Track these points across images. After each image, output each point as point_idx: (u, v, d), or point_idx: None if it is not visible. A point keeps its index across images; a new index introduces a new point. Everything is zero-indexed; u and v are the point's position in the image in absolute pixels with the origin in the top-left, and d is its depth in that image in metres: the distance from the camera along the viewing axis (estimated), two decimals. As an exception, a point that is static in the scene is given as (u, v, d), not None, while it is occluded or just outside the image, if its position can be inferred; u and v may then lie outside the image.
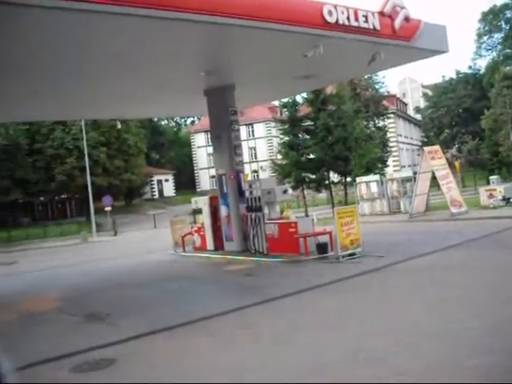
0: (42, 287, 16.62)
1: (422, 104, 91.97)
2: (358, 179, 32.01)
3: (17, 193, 51.75)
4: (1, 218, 50.95)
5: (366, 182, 30.99)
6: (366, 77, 46.67)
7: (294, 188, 38.56)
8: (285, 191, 18.46)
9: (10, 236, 44.43)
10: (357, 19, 13.20)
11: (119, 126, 42.59)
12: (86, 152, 43.12)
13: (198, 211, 21.50)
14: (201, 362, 7.35)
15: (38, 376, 7.47)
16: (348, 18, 13.02)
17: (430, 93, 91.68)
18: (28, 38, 10.76)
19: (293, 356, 7.10)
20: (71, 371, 7.42)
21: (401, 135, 70.72)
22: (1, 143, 40.56)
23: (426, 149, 25.93)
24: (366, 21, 13.40)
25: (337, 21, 12.79)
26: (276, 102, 49.22)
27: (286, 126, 39.91)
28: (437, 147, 26.21)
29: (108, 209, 42.76)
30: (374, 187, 30.45)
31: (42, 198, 59.82)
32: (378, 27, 13.71)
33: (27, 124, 47.03)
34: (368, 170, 35.86)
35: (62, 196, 60.85)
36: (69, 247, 34.32)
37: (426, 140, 71.77)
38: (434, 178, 24.90)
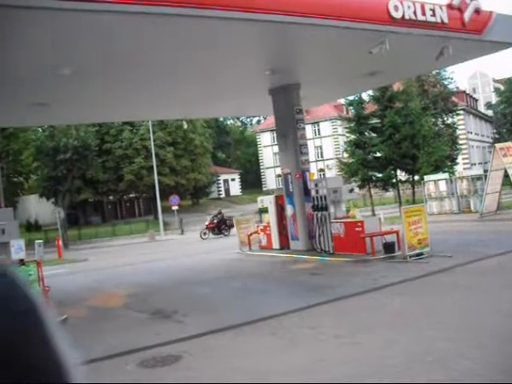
0: (111, 284, 17.01)
1: (494, 99, 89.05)
2: (426, 177, 31.34)
3: (87, 192, 53.31)
4: (72, 216, 52.63)
5: (434, 181, 30.32)
6: (434, 72, 45.60)
7: (360, 187, 38.15)
8: (351, 190, 18.25)
9: (81, 234, 45.81)
10: (424, 13, 12.88)
11: (185, 126, 43.12)
12: (153, 152, 43.96)
13: (263, 210, 21.58)
14: (266, 361, 7.34)
15: (106, 370, 7.64)
16: (414, 13, 12.73)
17: (502, 87, 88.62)
18: (106, 42, 11.13)
19: (357, 357, 6.99)
20: (138, 366, 7.55)
21: (471, 132, 68.74)
22: (72, 144, 41.77)
23: (498, 145, 25.08)
24: (434, 14, 13.06)
25: (403, 16, 12.53)
26: (342, 100, 48.82)
27: (352, 124, 39.54)
28: (509, 144, 25.30)
29: (175, 208, 43.45)
30: (442, 186, 29.76)
31: (111, 198, 61.39)
32: (446, 21, 13.33)
33: (97, 125, 48.37)
34: (436, 168, 35.06)
35: (131, 195, 62.24)
36: (137, 245, 35.07)
37: (497, 137, 69.54)
38: (506, 175, 24.07)
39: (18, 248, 10.96)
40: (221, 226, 33.57)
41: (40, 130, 45.34)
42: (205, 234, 33.13)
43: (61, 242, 31.04)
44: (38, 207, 56.38)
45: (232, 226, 31.74)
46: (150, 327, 10.14)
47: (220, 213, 34.88)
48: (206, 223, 34.25)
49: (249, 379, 6.63)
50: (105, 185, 53.95)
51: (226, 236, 32.47)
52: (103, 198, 59.67)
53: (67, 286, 16.93)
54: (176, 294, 13.57)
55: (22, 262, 10.69)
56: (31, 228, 53.41)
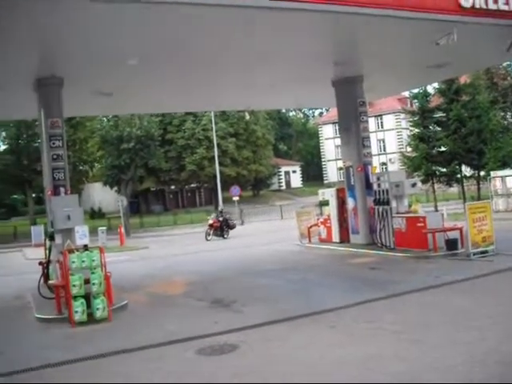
0: (171, 272, 17.26)
1: None
2: (492, 173, 30.40)
3: (150, 181, 54.32)
4: (134, 205, 53.71)
5: (501, 177, 29.38)
6: (504, 64, 44.08)
7: (423, 181, 37.30)
8: (414, 184, 17.84)
9: (143, 222, 46.65)
10: (495, 1, 12.39)
11: (248, 117, 43.37)
12: (215, 142, 44.31)
13: (324, 203, 21.42)
14: (322, 353, 7.28)
15: (165, 356, 7.76)
16: (486, 1, 12.28)
17: None
18: (173, 33, 11.31)
19: (416, 354, 6.84)
20: (197, 353, 7.64)
21: (542, 127, 66.20)
22: (136, 134, 42.51)
23: None
24: (507, 2, 12.55)
25: (473, 5, 12.11)
26: (406, 93, 47.87)
27: (416, 118, 38.68)
28: None
29: (236, 198, 43.69)
30: (510, 182, 28.80)
31: (172, 187, 62.31)
32: (519, 9, 12.79)
33: (160, 116, 49.07)
34: (504, 164, 33.91)
35: (192, 185, 62.97)
36: (197, 235, 35.42)
37: None
38: None
39: (82, 234, 11.21)
40: (223, 227, 30.11)
41: (105, 120, 46.36)
42: (209, 234, 29.44)
43: (123, 230, 31.67)
44: (101, 195, 57.79)
45: (234, 226, 31.01)
46: (209, 316, 10.24)
47: (222, 212, 32.02)
48: (210, 222, 30.33)
49: (303, 371, 6.60)
50: (167, 174, 54.79)
51: (225, 239, 29.42)
52: (165, 187, 60.62)
53: (128, 272, 17.27)
54: (235, 284, 13.65)
55: (85, 248, 10.94)
56: (95, 215, 54.81)
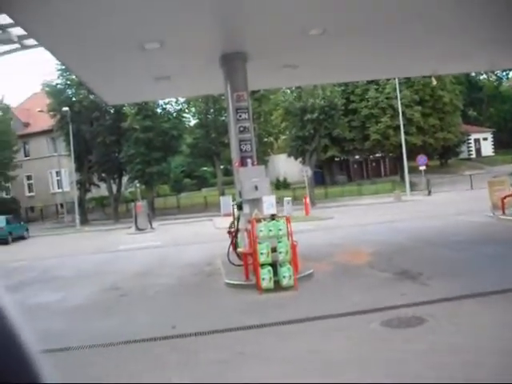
0: (355, 242, 17.23)
1: None
2: None
3: (333, 151, 54.49)
4: (319, 175, 54.27)
5: None
6: None
7: None
8: None
9: (327, 193, 47.03)
10: None
11: (434, 83, 41.35)
12: (399, 111, 43.12)
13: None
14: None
15: (349, 327, 7.75)
16: None
17: None
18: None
19: None
20: (382, 325, 7.53)
21: None
22: (319, 104, 42.71)
23: None
24: None
25: None
26: None
27: None
28: None
29: (422, 168, 42.31)
30: None
31: (356, 157, 61.87)
32: None
33: (343, 85, 48.75)
34: None
35: (377, 155, 62.02)
36: (382, 205, 34.97)
37: None
38: None
39: (269, 204, 11.53)
40: None
41: (288, 92, 47.11)
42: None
43: (308, 200, 32.19)
44: (286, 166, 59.05)
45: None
46: (394, 287, 10.05)
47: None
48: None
49: (496, 350, 6.20)
50: (350, 144, 54.53)
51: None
52: (349, 157, 60.42)
53: (313, 242, 17.52)
54: (421, 255, 13.26)
55: (272, 217, 11.23)
56: (280, 186, 56.24)
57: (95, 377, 6.62)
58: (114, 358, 7.36)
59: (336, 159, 60.03)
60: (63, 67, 39.19)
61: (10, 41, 17.42)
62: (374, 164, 66.03)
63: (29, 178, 57.03)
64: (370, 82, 49.88)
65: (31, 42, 16.87)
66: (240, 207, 12.95)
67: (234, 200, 14.98)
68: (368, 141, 52.92)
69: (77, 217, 41.78)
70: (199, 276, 13.67)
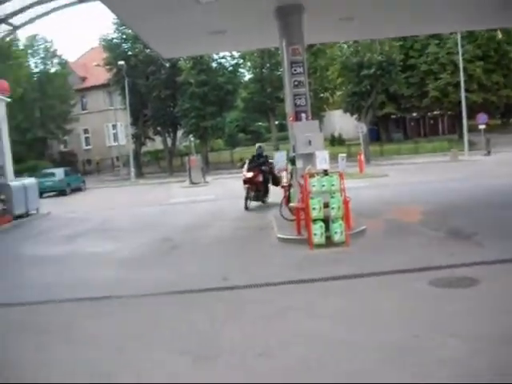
0: (408, 200, 17.01)
1: None
2: None
3: (390, 108, 53.47)
4: (374, 132, 53.48)
5: None
6: None
7: None
8: None
9: (382, 150, 46.38)
10: None
11: (500, 37, 39.82)
12: (461, 66, 41.70)
13: None
14: None
15: (395, 285, 7.68)
16: None
17: None
18: None
19: None
20: (430, 284, 7.42)
21: None
22: (376, 59, 41.77)
23: None
24: None
25: None
26: None
27: None
28: None
29: (482, 127, 41.14)
30: None
31: (414, 114, 60.60)
32: None
33: (401, 40, 47.41)
34: None
35: (434, 112, 60.60)
36: (438, 164, 34.31)
37: None
38: None
39: (322, 159, 11.42)
40: (267, 184, 18.40)
41: (345, 46, 46.17)
42: (247, 199, 17.69)
43: (362, 157, 31.83)
44: (341, 122, 58.41)
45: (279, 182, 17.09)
46: (445, 247, 9.87)
47: (261, 154, 18.87)
48: (247, 174, 17.96)
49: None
50: (408, 101, 53.34)
51: (265, 204, 18.24)
52: (406, 114, 59.22)
53: (367, 199, 17.39)
54: (477, 216, 12.94)
55: (325, 173, 11.15)
56: (334, 142, 55.81)
57: (147, 324, 6.81)
58: (165, 308, 7.54)
59: (392, 116, 58.92)
60: (119, 21, 39.44)
61: (68, -7, 17.63)
62: (431, 122, 64.64)
63: (85, 131, 58.28)
64: (430, 37, 48.31)
65: (88, -6, 17.06)
66: (293, 162, 12.90)
67: (288, 155, 14.91)
68: (426, 98, 51.62)
69: (132, 170, 42.59)
70: (251, 229, 13.79)
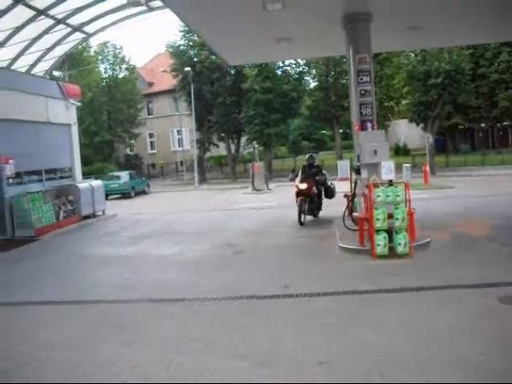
0: (477, 212, 16.57)
1: None
2: None
3: (457, 118, 52.27)
4: (440, 142, 52.40)
5: None
6: None
7: None
8: None
9: (448, 161, 45.37)
10: None
11: None
12: (533, 76, 40.43)
13: None
14: None
15: (463, 299, 7.49)
16: None
17: None
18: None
19: None
20: (499, 301, 7.22)
21: None
22: (444, 68, 40.89)
23: None
24: None
25: None
26: None
27: None
28: None
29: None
30: None
31: (482, 125, 59.04)
32: None
33: (471, 48, 46.33)
34: None
35: (504, 123, 58.90)
36: (507, 177, 33.29)
37: None
38: None
39: (387, 169, 11.30)
40: (320, 196, 17.32)
41: (412, 55, 45.44)
42: (301, 213, 16.08)
43: (428, 168, 31.23)
44: (406, 132, 57.58)
45: (333, 194, 17.44)
46: (515, 263, 9.59)
47: (313, 164, 17.60)
48: (301, 186, 16.48)
49: None
50: (476, 111, 51.99)
51: (316, 217, 17.26)
52: (474, 125, 57.78)
53: (432, 210, 17.06)
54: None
55: (390, 183, 11.02)
56: (399, 152, 55.02)
57: (208, 326, 6.89)
58: (226, 312, 7.61)
59: (460, 127, 57.56)
60: (186, 28, 40.09)
61: (137, 3, 18.10)
62: (500, 133, 62.74)
63: (151, 135, 59.48)
64: (502, 44, 46.95)
65: (157, 3, 17.44)
66: (358, 171, 12.79)
67: (351, 164, 14.75)
68: (496, 108, 50.21)
69: (195, 175, 43.12)
70: (313, 238, 13.74)
